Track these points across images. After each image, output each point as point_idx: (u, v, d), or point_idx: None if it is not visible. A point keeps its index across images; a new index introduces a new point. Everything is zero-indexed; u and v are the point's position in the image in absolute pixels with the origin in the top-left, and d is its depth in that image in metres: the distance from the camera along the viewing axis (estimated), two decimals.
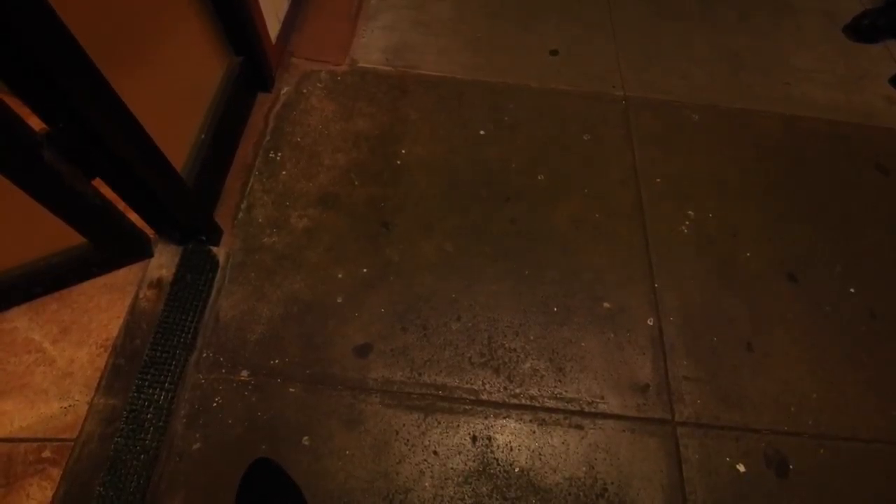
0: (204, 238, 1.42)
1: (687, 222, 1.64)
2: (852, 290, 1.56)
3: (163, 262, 1.39)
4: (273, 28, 1.72)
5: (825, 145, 1.87)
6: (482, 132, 1.77)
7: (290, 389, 1.28)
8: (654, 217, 1.64)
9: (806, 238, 1.65)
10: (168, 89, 1.30)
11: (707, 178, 1.74)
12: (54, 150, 0.97)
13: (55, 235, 1.18)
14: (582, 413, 1.32)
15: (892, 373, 1.44)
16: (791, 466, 1.29)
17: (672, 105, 1.91)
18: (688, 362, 1.40)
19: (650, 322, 1.45)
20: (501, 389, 1.33)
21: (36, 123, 0.94)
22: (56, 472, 1.13)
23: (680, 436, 1.31)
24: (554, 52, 2.01)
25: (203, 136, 1.44)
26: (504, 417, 1.30)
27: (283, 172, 1.61)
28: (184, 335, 1.30)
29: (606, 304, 1.47)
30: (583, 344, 1.41)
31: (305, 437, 1.23)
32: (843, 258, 1.62)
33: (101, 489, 1.12)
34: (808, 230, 1.67)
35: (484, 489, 1.21)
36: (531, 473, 1.24)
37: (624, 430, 1.31)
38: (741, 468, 1.28)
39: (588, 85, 1.93)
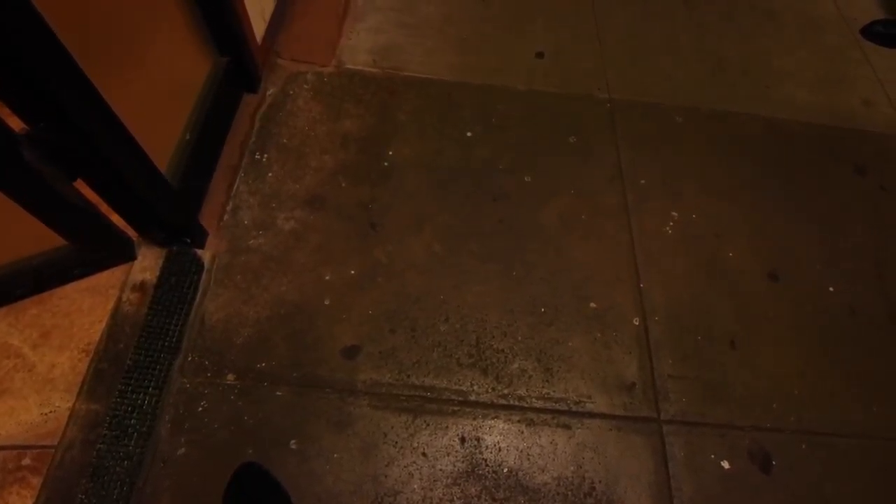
0: (188, 240, 1.40)
1: (671, 223, 1.66)
2: (832, 289, 1.60)
3: (146, 264, 1.37)
4: (259, 28, 1.70)
5: (805, 147, 1.91)
6: (469, 133, 1.77)
7: (278, 392, 1.27)
8: (640, 217, 1.65)
9: (787, 238, 1.68)
10: (152, 89, 1.28)
11: (691, 179, 1.76)
12: (35, 151, 0.95)
13: (35, 237, 1.16)
14: (569, 413, 1.33)
15: (873, 369, 1.48)
16: (774, 462, 1.32)
17: (656, 107, 1.93)
18: (673, 361, 1.42)
19: (636, 321, 1.47)
20: (490, 390, 1.34)
21: (16, 124, 0.92)
22: (36, 480, 1.10)
23: (666, 434, 1.32)
24: (540, 55, 2.03)
25: (188, 136, 1.42)
26: (492, 418, 1.30)
27: (270, 174, 1.59)
28: (168, 339, 1.28)
29: (593, 304, 1.48)
30: (570, 344, 1.42)
31: (293, 441, 1.22)
32: (823, 257, 1.66)
33: (84, 496, 1.10)
34: (790, 230, 1.70)
35: (473, 490, 1.21)
36: (520, 474, 1.24)
37: (611, 429, 1.32)
38: (726, 465, 1.30)
39: (574, 87, 1.95)
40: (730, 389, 1.40)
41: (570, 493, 1.23)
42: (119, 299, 1.32)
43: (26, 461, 1.12)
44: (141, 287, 1.34)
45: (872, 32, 2.29)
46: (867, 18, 2.36)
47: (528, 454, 1.27)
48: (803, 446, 1.35)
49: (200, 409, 1.23)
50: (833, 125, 1.98)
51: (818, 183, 1.82)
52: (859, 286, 1.61)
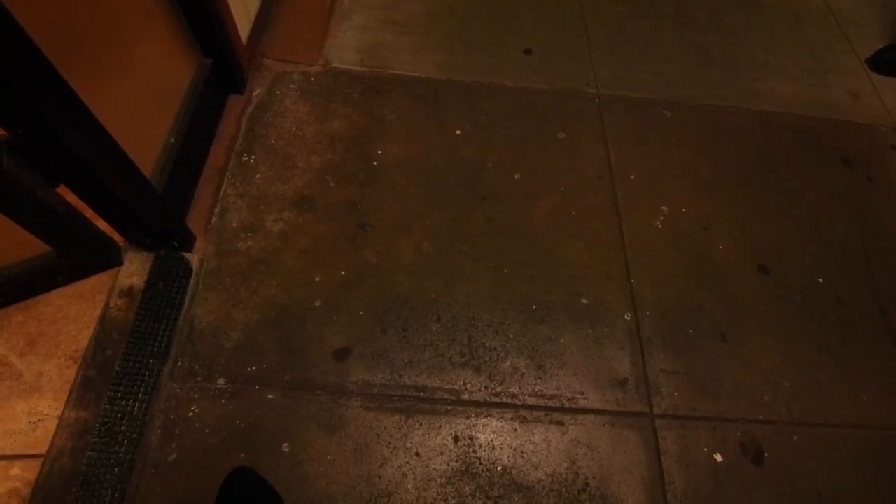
0: (176, 244, 1.39)
1: (661, 217, 1.66)
2: (821, 280, 1.61)
3: (133, 269, 1.36)
4: (244, 28, 1.69)
5: (793, 140, 1.92)
6: (458, 132, 1.76)
7: (269, 396, 1.26)
8: (630, 213, 1.66)
9: (776, 230, 1.69)
10: (134, 92, 1.26)
11: (680, 174, 1.77)
12: (14, 158, 0.93)
13: (19, 244, 1.14)
14: (562, 409, 1.33)
15: (861, 359, 1.49)
16: (766, 454, 1.33)
17: (645, 102, 1.94)
18: (665, 355, 1.43)
19: (627, 317, 1.47)
20: (482, 389, 1.34)
21: None
22: (26, 490, 1.09)
23: (658, 428, 1.33)
24: (528, 51, 2.02)
25: (173, 139, 1.40)
26: (485, 416, 1.30)
27: (257, 175, 1.58)
28: (157, 344, 1.27)
29: (584, 300, 1.48)
30: (562, 340, 1.42)
31: (285, 444, 1.21)
32: (812, 249, 1.67)
33: None
34: (779, 223, 1.71)
35: (467, 489, 1.21)
36: (513, 471, 1.25)
37: (604, 425, 1.32)
38: (718, 458, 1.31)
39: (562, 83, 1.94)
40: (721, 383, 1.41)
41: (563, 489, 1.24)
42: (106, 305, 1.30)
43: (15, 471, 1.11)
44: (128, 292, 1.33)
45: (882, 62, 2.17)
46: (854, 11, 2.38)
47: (522, 452, 1.27)
48: (794, 438, 1.36)
49: (191, 414, 1.22)
50: (820, 117, 1.99)
51: (806, 175, 1.83)
52: (848, 277, 1.62)
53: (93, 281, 1.33)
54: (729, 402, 1.38)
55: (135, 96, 1.27)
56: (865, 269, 1.64)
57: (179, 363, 1.28)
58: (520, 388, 1.35)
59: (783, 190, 1.79)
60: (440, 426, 1.28)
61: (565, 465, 1.26)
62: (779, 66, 2.13)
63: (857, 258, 1.67)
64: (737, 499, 1.27)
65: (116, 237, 1.34)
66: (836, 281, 1.61)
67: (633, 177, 1.74)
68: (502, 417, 1.31)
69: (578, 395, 1.35)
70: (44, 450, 1.13)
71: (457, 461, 1.24)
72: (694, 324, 1.49)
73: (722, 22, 2.25)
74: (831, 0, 2.42)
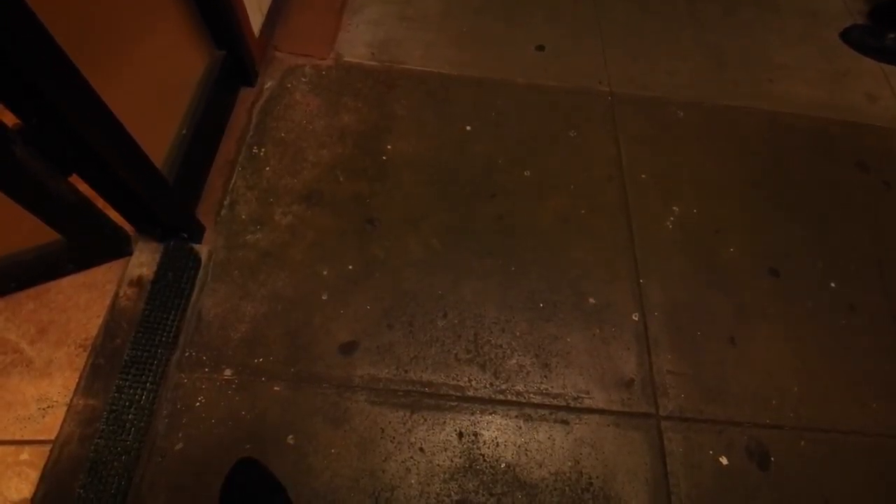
0: (185, 235, 1.39)
1: (672, 218, 1.65)
2: (833, 285, 1.59)
3: (143, 259, 1.37)
4: (256, 21, 1.69)
5: (807, 142, 1.89)
6: (468, 128, 1.76)
7: (275, 388, 1.27)
8: (640, 213, 1.64)
9: (788, 234, 1.67)
10: (147, 84, 1.27)
11: (692, 175, 1.75)
12: (27, 147, 0.94)
13: (29, 231, 1.16)
14: (567, 408, 1.33)
15: (871, 365, 1.47)
16: (773, 459, 1.31)
17: (657, 101, 1.92)
18: (672, 357, 1.42)
19: (635, 317, 1.46)
20: (487, 385, 1.33)
21: (8, 119, 0.92)
22: (34, 475, 1.11)
23: (664, 430, 1.32)
24: (540, 48, 2.01)
25: (184, 131, 1.41)
26: (490, 413, 1.30)
27: (267, 168, 1.58)
28: (165, 334, 1.28)
29: (592, 300, 1.48)
30: (568, 339, 1.41)
31: (290, 436, 1.22)
32: (824, 253, 1.64)
33: (82, 491, 1.10)
34: (791, 226, 1.69)
35: (470, 485, 1.21)
36: (517, 469, 1.24)
37: (609, 425, 1.31)
38: (724, 461, 1.30)
39: (574, 81, 1.93)
40: (728, 386, 1.40)
41: (567, 488, 1.23)
42: (116, 294, 1.31)
43: (24, 456, 1.13)
44: (138, 282, 1.34)
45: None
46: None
47: (526, 449, 1.27)
48: (802, 443, 1.34)
49: (198, 404, 1.23)
50: (836, 119, 1.96)
51: (820, 179, 1.81)
52: (860, 283, 1.60)
53: (103, 270, 1.34)
54: (736, 406, 1.37)
55: (147, 88, 1.28)
56: (879, 275, 1.62)
57: (187, 353, 1.29)
58: (525, 386, 1.34)
59: (796, 193, 1.76)
60: (444, 422, 1.28)
61: (569, 464, 1.26)
62: (794, 66, 2.10)
63: (871, 264, 1.64)
64: (741, 503, 1.26)
65: (127, 227, 1.35)
66: (849, 286, 1.59)
67: (643, 176, 1.72)
68: (507, 415, 1.30)
69: (584, 395, 1.35)
70: (52, 436, 1.15)
71: (461, 457, 1.24)
72: (702, 326, 1.47)
73: (737, 21, 2.22)
74: (850, 1, 2.38)
